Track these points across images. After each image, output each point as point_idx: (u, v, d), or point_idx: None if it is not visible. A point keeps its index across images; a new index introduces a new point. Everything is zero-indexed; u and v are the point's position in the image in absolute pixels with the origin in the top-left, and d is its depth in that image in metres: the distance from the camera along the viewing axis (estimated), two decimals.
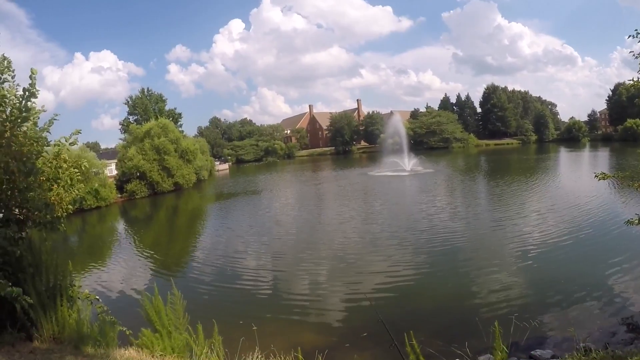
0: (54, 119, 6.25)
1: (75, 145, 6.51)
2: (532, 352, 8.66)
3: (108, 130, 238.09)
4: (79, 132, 6.49)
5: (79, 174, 6.47)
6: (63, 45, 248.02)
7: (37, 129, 5.95)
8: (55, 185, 6.01)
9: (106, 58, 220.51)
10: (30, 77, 5.45)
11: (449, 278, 14.19)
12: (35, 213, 5.81)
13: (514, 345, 8.46)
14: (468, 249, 17.42)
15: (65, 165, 6.21)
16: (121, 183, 52.00)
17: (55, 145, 6.17)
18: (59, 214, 5.98)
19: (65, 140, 6.23)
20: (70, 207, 6.28)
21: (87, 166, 6.64)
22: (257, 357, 6.15)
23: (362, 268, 15.81)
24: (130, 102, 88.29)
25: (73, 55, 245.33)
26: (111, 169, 57.11)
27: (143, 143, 54.77)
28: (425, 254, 16.97)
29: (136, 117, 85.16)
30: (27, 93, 5.43)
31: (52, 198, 5.94)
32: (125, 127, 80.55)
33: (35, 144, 5.59)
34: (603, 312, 10.89)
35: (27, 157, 5.47)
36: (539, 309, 11.18)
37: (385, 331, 10.06)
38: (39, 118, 5.97)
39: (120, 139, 75.54)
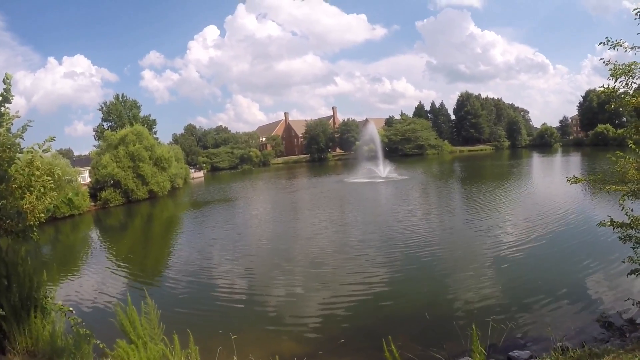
0: (28, 125, 6.10)
1: (49, 152, 6.37)
2: (510, 353, 8.70)
3: (81, 136, 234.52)
4: (52, 139, 6.36)
5: (52, 181, 6.31)
6: (37, 49, 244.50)
7: (10, 135, 5.80)
8: (28, 194, 5.84)
9: (80, 63, 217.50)
10: (4, 81, 5.30)
11: (425, 283, 14.21)
12: (7, 222, 5.66)
13: (491, 347, 8.52)
14: (443, 254, 17.50)
15: (38, 173, 6.05)
16: (95, 191, 51.13)
17: (28, 152, 6.02)
18: (31, 223, 5.81)
19: (39, 147, 6.09)
20: (42, 215, 6.11)
21: (60, 174, 6.45)
22: None
23: (337, 276, 15.71)
24: (104, 108, 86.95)
25: (46, 60, 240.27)
26: (85, 177, 56.16)
27: (117, 150, 54.13)
28: (400, 260, 16.96)
29: (110, 123, 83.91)
30: (0, 98, 5.28)
31: (25, 206, 5.77)
32: (99, 133, 79.44)
33: (7, 151, 5.43)
34: (579, 312, 11.07)
35: None
36: (516, 310, 11.30)
37: (362, 337, 10.19)
38: (12, 124, 5.83)
39: (94, 145, 74.47)
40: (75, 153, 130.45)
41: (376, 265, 16.45)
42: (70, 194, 6.21)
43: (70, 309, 6.46)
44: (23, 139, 6.06)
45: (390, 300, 12.93)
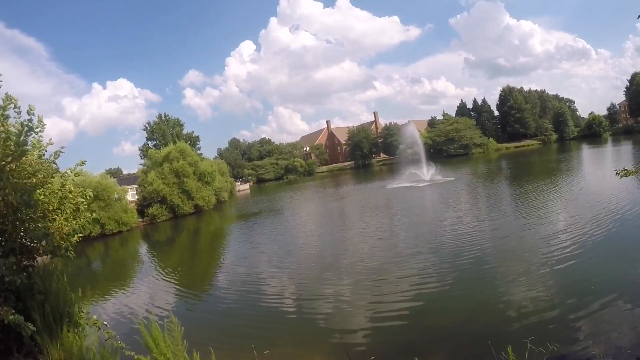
0: (60, 152, 6.46)
1: (80, 175, 6.72)
2: None
3: (129, 156, 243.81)
4: (83, 162, 6.73)
5: (85, 202, 6.66)
6: (82, 76, 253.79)
7: (43, 160, 6.14)
8: (57, 216, 6.19)
9: (123, 86, 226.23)
10: (28, 112, 5.63)
11: (467, 297, 13.47)
12: (42, 243, 6.03)
13: None
14: (489, 263, 16.55)
15: (70, 195, 6.40)
16: (142, 207, 52.87)
17: (61, 176, 6.38)
18: (59, 244, 6.13)
19: (71, 172, 6.45)
20: (75, 236, 6.44)
21: (92, 195, 6.81)
22: None
23: (377, 290, 15.22)
24: (148, 128, 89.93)
25: (91, 86, 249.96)
26: (133, 194, 58.03)
27: (162, 167, 55.72)
28: (442, 271, 16.18)
29: (155, 142, 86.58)
30: (25, 128, 5.62)
31: (55, 228, 6.12)
32: (144, 152, 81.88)
33: (32, 178, 5.76)
34: (634, 321, 10.11)
35: (25, 190, 5.66)
36: (564, 322, 10.60)
37: (394, 354, 9.99)
38: (46, 151, 6.17)
39: (140, 164, 76.81)
40: (124, 172, 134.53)
41: (416, 278, 15.71)
42: (94, 214, 6.50)
43: (105, 322, 6.74)
44: (56, 164, 6.43)
45: (428, 315, 12.46)
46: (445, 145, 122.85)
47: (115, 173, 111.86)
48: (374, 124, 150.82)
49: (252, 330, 13.06)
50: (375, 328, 12.14)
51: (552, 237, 18.47)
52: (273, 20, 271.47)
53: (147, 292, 19.45)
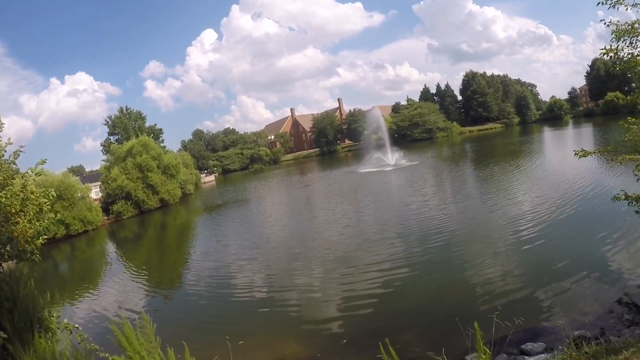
0: (20, 151, 6.26)
1: (42, 175, 6.50)
2: (523, 347, 8.41)
3: (91, 152, 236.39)
4: (44, 161, 6.53)
5: (48, 203, 6.43)
6: (39, 71, 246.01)
7: (2, 161, 5.93)
8: (20, 218, 5.97)
9: (82, 80, 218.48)
10: None
11: (435, 277, 13.76)
12: (6, 248, 5.81)
13: (503, 340, 8.24)
14: (454, 244, 16.91)
15: (32, 197, 6.17)
16: (107, 205, 51.84)
17: (22, 176, 6.16)
18: (24, 247, 5.92)
19: (32, 172, 6.22)
20: (41, 238, 6.23)
21: (55, 195, 6.58)
22: None
23: (345, 275, 15.36)
24: (109, 122, 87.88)
25: (49, 81, 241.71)
26: (96, 191, 56.85)
27: (125, 162, 54.76)
28: (408, 254, 16.44)
29: (117, 136, 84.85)
30: None
31: (18, 231, 5.90)
32: (106, 147, 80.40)
33: None
34: (598, 294, 10.59)
35: None
36: (529, 297, 11.01)
37: (366, 337, 10.14)
38: (5, 151, 5.95)
39: (102, 160, 75.15)
40: (87, 169, 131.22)
41: (385, 264, 15.75)
42: (58, 214, 6.29)
43: (76, 325, 6.59)
44: (16, 164, 6.21)
45: (398, 299, 12.62)
46: (409, 130, 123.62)
47: (77, 171, 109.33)
48: (338, 111, 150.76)
49: (225, 323, 13.06)
50: (346, 314, 12.27)
51: (518, 218, 18.93)
52: (235, 8, 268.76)
53: (117, 291, 19.13)
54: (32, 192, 6.14)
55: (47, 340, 5.79)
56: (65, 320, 6.55)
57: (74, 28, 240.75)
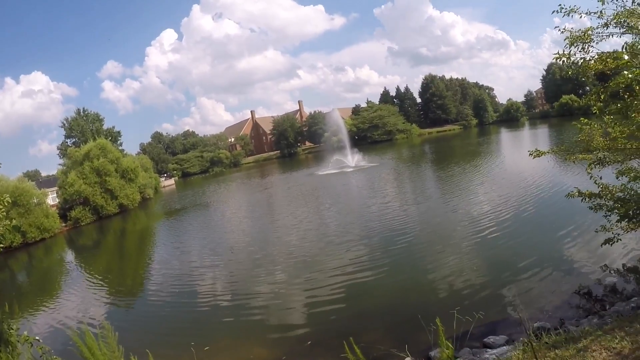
0: None
1: None
2: (485, 340, 8.64)
3: (47, 156, 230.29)
4: None
5: (3, 210, 6.21)
6: None
7: None
8: None
9: (37, 80, 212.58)
10: None
11: (396, 276, 14.03)
12: None
13: (464, 335, 8.49)
14: (414, 242, 17.34)
15: None
16: (64, 211, 50.31)
17: None
18: None
19: None
20: None
21: (10, 201, 6.34)
22: None
23: (307, 277, 15.49)
24: (66, 125, 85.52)
25: (3, 80, 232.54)
26: (53, 197, 55.20)
27: (83, 166, 53.33)
28: (370, 254, 16.67)
29: (74, 139, 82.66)
30: None
31: None
32: (63, 151, 78.30)
33: None
34: (557, 287, 11.01)
35: None
36: (491, 293, 11.34)
37: (331, 337, 10.21)
38: None
39: (59, 164, 72.93)
40: (43, 174, 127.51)
41: (348, 267, 15.82)
42: (14, 221, 6.05)
43: (37, 338, 6.40)
44: None
45: (361, 300, 12.76)
46: (369, 131, 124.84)
47: (33, 176, 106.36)
48: (298, 113, 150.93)
49: (189, 330, 12.90)
50: (311, 316, 12.35)
51: (478, 217, 19.45)
52: (196, 7, 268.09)
53: (77, 301, 18.65)
54: None
55: (7, 354, 5.61)
56: (26, 333, 6.36)
57: (30, 24, 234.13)
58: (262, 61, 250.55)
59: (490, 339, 8.66)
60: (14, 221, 6.14)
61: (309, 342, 10.43)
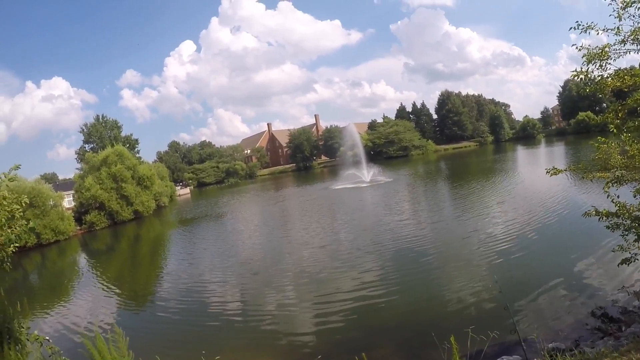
0: None
1: (15, 180, 6.31)
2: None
3: (64, 160, 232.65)
4: (18, 167, 6.33)
5: (20, 209, 6.24)
6: (16, 74, 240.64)
7: None
8: None
9: (58, 85, 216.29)
10: None
11: (410, 292, 13.83)
12: None
13: (479, 353, 8.18)
14: (430, 259, 17.08)
15: (5, 202, 5.98)
16: (80, 214, 50.77)
17: None
18: None
19: (4, 176, 6.04)
20: (12, 246, 6.02)
21: (27, 201, 6.37)
22: None
23: (320, 290, 15.33)
24: (85, 130, 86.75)
25: (24, 84, 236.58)
26: (69, 200, 55.73)
27: (100, 172, 53.81)
28: (384, 269, 16.57)
29: (92, 145, 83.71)
30: None
31: None
32: (81, 156, 79.25)
33: None
34: (573, 307, 10.80)
35: None
36: (506, 312, 11.07)
37: (341, 353, 10.07)
38: None
39: (77, 168, 73.73)
40: (60, 177, 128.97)
41: (360, 280, 15.71)
42: (31, 222, 6.08)
43: (47, 337, 6.40)
44: None
45: (374, 314, 12.59)
46: (385, 147, 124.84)
47: (50, 178, 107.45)
48: (314, 127, 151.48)
49: (199, 337, 12.81)
50: (322, 329, 12.18)
51: (493, 234, 19.15)
52: (214, 20, 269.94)
53: (89, 303, 18.68)
54: (4, 198, 5.96)
55: (16, 352, 5.59)
56: (36, 332, 6.35)
57: (52, 31, 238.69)
58: (279, 74, 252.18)
59: (504, 358, 8.51)
60: (31, 222, 6.16)
61: (320, 357, 10.27)
